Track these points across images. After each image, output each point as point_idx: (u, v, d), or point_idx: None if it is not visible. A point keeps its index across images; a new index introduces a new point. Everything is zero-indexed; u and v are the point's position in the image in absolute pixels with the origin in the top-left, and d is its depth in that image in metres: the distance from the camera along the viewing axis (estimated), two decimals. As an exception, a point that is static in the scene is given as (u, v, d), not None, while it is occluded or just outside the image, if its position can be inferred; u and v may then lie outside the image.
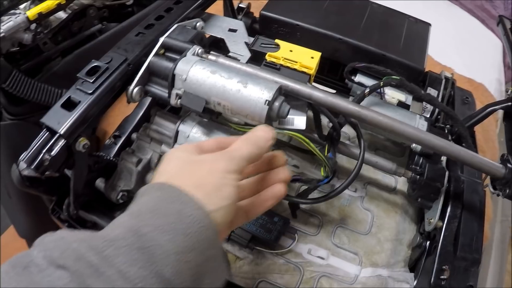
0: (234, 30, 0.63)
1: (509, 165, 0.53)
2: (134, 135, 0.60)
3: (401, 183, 0.67)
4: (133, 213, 0.30)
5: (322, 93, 0.50)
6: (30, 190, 0.53)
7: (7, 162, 0.86)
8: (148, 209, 0.30)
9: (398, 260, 0.61)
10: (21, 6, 0.82)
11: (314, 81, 0.73)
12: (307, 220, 0.61)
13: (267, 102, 0.44)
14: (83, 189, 0.55)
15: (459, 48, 1.41)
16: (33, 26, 0.81)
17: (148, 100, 0.68)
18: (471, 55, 1.42)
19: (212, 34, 0.63)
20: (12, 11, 0.79)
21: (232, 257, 0.55)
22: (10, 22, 0.78)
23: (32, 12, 0.79)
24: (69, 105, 0.49)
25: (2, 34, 0.76)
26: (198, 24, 0.61)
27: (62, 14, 0.89)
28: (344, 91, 0.76)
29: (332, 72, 0.78)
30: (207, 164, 0.35)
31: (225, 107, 0.47)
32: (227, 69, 0.48)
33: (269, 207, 0.41)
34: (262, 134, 0.39)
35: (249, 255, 0.55)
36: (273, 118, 0.46)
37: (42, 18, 0.81)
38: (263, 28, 0.75)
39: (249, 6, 0.83)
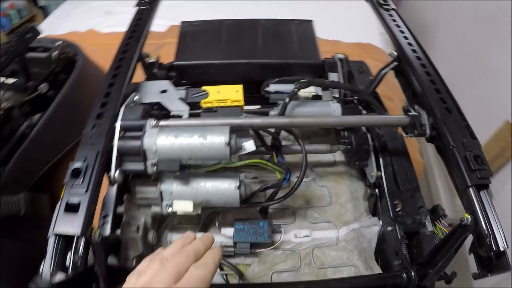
0: (165, 91, 0.78)
1: (409, 113, 0.73)
2: (120, 209, 0.73)
3: (338, 156, 0.87)
4: None
5: (259, 119, 0.67)
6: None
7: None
8: None
9: (361, 212, 0.81)
10: None
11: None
12: (283, 214, 0.78)
13: (226, 143, 0.60)
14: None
15: (338, 17, 1.66)
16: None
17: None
18: (351, 19, 1.67)
19: (148, 102, 0.77)
20: None
21: (243, 267, 0.71)
22: None
23: (-39, 132, 0.86)
24: (72, 209, 0.60)
25: None
26: (136, 98, 0.74)
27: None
28: (264, 101, 0.93)
29: (250, 90, 0.94)
30: None
31: (195, 160, 0.62)
32: (184, 129, 0.63)
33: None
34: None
35: (254, 258, 0.71)
36: (234, 152, 0.62)
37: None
38: (180, 75, 0.90)
39: (158, 59, 0.97)
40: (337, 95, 0.90)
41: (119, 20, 1.81)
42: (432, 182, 1.95)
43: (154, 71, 0.96)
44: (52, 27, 2.02)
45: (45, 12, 3.15)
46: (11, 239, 0.94)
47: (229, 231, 0.72)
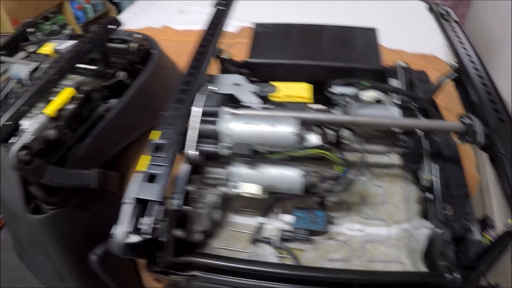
0: (239, 84, 0.87)
1: (464, 121, 0.78)
2: (188, 187, 0.82)
3: (395, 159, 0.92)
4: None
5: (324, 115, 0.74)
6: (130, 256, 0.70)
7: (59, 249, 1.03)
8: None
9: (413, 214, 0.85)
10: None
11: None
12: (339, 208, 0.84)
13: (295, 133, 0.68)
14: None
15: (405, 27, 1.69)
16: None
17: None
18: (417, 30, 1.69)
19: (222, 92, 0.86)
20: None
21: (298, 252, 0.77)
22: (35, 124, 0.93)
23: (51, 109, 0.95)
24: (151, 179, 0.69)
25: (33, 136, 0.92)
26: (211, 88, 0.83)
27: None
28: (325, 101, 1.00)
29: (316, 90, 1.02)
30: None
31: (264, 145, 0.70)
32: (255, 117, 0.71)
33: None
34: None
35: (309, 245, 0.78)
36: (300, 143, 0.70)
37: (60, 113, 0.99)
38: (252, 72, 0.99)
39: (231, 56, 1.06)
40: (397, 102, 0.95)
41: (192, 19, 1.95)
42: (487, 201, 1.93)
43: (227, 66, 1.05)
44: (126, 22, 2.19)
45: (118, 8, 3.43)
46: (79, 209, 1.05)
47: (286, 218, 0.80)
